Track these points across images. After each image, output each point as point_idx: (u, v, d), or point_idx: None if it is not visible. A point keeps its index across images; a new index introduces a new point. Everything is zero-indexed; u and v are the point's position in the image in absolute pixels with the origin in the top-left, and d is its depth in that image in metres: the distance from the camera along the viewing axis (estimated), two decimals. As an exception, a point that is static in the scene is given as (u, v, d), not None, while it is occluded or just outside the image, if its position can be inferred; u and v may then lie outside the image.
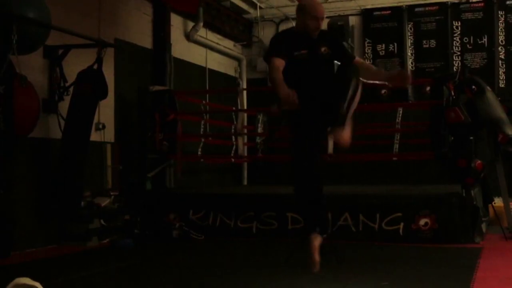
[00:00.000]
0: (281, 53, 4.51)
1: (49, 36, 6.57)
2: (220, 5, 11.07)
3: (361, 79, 4.51)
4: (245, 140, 11.05)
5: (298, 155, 4.59)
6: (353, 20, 11.61)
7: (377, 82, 4.92)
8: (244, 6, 11.79)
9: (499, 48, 10.81)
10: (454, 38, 11.05)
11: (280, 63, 4.47)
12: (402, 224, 7.11)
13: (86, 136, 7.22)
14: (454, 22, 11.06)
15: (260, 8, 11.92)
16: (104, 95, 7.39)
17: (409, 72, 4.85)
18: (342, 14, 11.56)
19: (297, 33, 4.61)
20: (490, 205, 7.97)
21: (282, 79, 4.33)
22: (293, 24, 11.65)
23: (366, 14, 11.61)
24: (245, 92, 11.59)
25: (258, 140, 10.69)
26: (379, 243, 6.95)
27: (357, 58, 4.82)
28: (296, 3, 10.45)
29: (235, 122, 10.80)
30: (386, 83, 4.87)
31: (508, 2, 10.81)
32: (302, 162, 4.54)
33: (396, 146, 8.70)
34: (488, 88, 7.59)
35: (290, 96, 4.24)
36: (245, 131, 11.30)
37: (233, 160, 10.57)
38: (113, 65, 8.35)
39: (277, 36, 4.94)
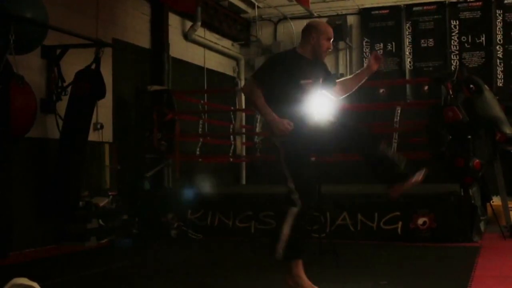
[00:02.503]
0: (264, 82, 4.16)
1: (46, 36, 6.57)
2: (218, 4, 11.07)
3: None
4: (244, 140, 11.04)
5: (304, 191, 4.15)
6: (351, 20, 11.62)
7: (361, 82, 4.59)
8: (242, 5, 11.79)
9: (497, 47, 10.81)
10: (452, 37, 11.05)
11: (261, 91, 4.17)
12: (400, 223, 7.12)
13: (84, 136, 7.21)
14: (452, 21, 11.06)
15: (258, 7, 11.91)
16: (102, 95, 7.38)
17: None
18: (341, 13, 11.57)
19: (303, 57, 4.26)
20: (488, 204, 7.97)
21: (269, 109, 4.11)
22: (292, 25, 11.86)
23: (364, 13, 11.61)
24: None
25: (256, 139, 10.69)
26: (377, 242, 6.95)
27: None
28: (294, 2, 10.55)
29: (233, 122, 10.81)
30: (366, 78, 4.55)
31: (506, 1, 10.81)
32: (309, 197, 4.21)
33: (395, 145, 8.69)
34: (486, 87, 7.59)
35: (286, 125, 4.07)
36: (244, 130, 11.30)
37: (231, 159, 10.56)
38: (111, 65, 8.35)
39: (278, 60, 4.36)
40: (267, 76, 4.20)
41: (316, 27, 4.30)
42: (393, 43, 11.33)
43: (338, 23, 11.06)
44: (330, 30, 4.32)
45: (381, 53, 11.31)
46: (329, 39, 4.29)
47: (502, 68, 10.78)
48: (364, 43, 11.54)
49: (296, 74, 4.21)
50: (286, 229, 4.13)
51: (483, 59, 10.86)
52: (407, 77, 11.17)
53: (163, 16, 9.63)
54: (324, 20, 11.23)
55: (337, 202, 7.26)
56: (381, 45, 11.42)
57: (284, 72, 4.19)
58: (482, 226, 7.36)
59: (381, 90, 11.15)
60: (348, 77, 4.55)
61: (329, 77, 4.47)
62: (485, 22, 10.87)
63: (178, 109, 9.03)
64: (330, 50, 4.34)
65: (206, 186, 8.32)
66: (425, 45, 11.18)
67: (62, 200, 7.08)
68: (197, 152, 9.50)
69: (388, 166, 4.22)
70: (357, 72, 4.55)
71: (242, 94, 11.55)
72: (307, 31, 4.29)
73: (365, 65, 4.55)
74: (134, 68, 9.07)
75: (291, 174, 4.18)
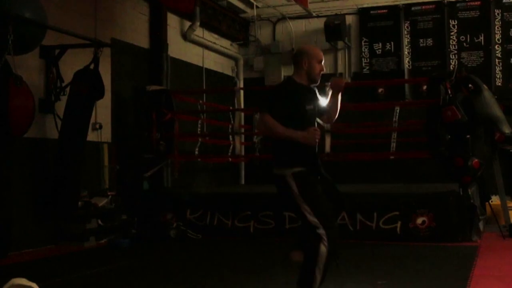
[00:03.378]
0: (273, 112, 4.12)
1: (45, 36, 6.56)
2: (217, 4, 11.07)
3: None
4: (242, 140, 11.04)
5: (328, 223, 4.00)
6: (350, 19, 11.61)
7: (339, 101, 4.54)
8: (240, 5, 11.78)
9: (496, 47, 10.80)
10: (451, 37, 11.05)
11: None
12: (399, 222, 7.12)
13: (83, 136, 7.21)
14: (450, 20, 11.06)
15: (257, 7, 11.91)
16: (100, 95, 7.38)
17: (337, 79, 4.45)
18: (339, 13, 11.56)
19: (301, 84, 4.25)
20: (487, 203, 7.98)
21: (292, 130, 4.04)
22: (291, 24, 11.86)
23: (363, 13, 11.61)
24: (242, 92, 11.60)
25: (255, 139, 10.69)
26: (376, 242, 6.95)
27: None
28: (293, 2, 10.54)
29: (232, 122, 10.80)
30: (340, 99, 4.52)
31: (504, 1, 10.80)
32: (334, 227, 4.07)
33: (394, 144, 8.69)
34: (485, 86, 7.59)
35: (315, 132, 4.01)
36: (242, 130, 11.30)
37: (230, 159, 10.56)
38: (109, 65, 8.34)
39: (281, 89, 4.34)
40: (275, 106, 4.15)
41: (307, 52, 4.29)
42: (392, 43, 11.32)
43: (336, 23, 11.06)
44: (321, 53, 4.33)
45: (380, 52, 11.36)
46: (321, 62, 4.29)
47: (500, 68, 10.78)
48: (362, 43, 11.54)
49: (300, 100, 4.21)
50: (318, 273, 3.96)
51: (482, 59, 10.86)
52: (406, 76, 11.17)
53: (162, 16, 9.62)
54: (323, 20, 11.30)
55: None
56: (380, 44, 11.41)
57: (289, 100, 4.18)
58: (481, 225, 7.36)
59: (380, 90, 11.14)
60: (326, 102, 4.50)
61: (320, 104, 4.47)
62: (484, 21, 10.87)
63: (177, 109, 9.02)
64: (323, 72, 4.33)
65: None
66: (424, 44, 11.18)
67: (61, 200, 7.07)
68: (196, 152, 9.49)
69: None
70: (328, 98, 4.45)
71: (241, 94, 11.59)
72: (299, 57, 4.28)
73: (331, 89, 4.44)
74: (132, 68, 9.06)
75: (312, 207, 3.99)
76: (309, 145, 4.06)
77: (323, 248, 3.92)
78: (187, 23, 10.38)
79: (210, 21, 10.94)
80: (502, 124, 7.41)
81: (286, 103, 4.16)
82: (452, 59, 10.99)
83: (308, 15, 11.72)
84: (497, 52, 10.79)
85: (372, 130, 9.67)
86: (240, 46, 12.35)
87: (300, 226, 4.21)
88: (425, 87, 10.67)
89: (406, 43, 11.26)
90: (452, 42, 11.03)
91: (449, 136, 7.34)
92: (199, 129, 9.87)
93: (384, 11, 11.46)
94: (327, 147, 8.62)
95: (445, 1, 11.11)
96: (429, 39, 11.15)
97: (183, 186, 9.44)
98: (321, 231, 3.93)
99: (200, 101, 10.11)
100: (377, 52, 11.42)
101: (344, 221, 7.19)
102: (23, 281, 3.36)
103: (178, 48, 10.21)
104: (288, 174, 4.04)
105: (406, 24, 11.29)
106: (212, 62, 11.42)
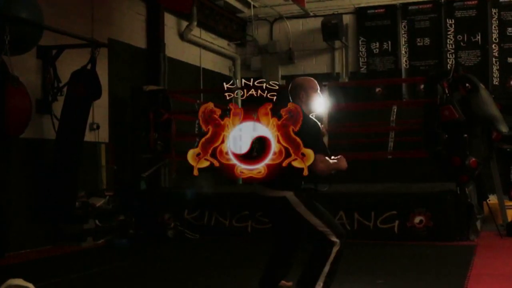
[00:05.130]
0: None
1: (42, 36, 6.55)
2: (214, 4, 11.07)
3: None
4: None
5: (336, 226, 4.06)
6: (347, 19, 11.63)
7: None
8: (238, 5, 11.79)
9: (493, 46, 10.82)
10: (448, 36, 11.06)
11: None
12: (397, 222, 7.13)
13: (80, 136, 7.20)
14: (447, 20, 11.08)
15: (254, 7, 11.91)
16: (98, 95, 7.37)
17: None
18: (336, 12, 11.56)
19: None
20: (484, 202, 7.99)
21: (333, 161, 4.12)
22: (288, 24, 11.85)
23: (360, 13, 11.62)
24: (239, 91, 11.59)
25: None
26: (374, 241, 6.95)
27: None
28: (290, 2, 10.54)
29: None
30: None
31: (501, 0, 10.82)
32: (343, 230, 4.09)
33: (391, 144, 8.69)
34: (482, 85, 7.60)
35: (344, 161, 4.13)
36: (240, 130, 11.28)
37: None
38: (107, 65, 8.33)
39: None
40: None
41: (301, 85, 4.27)
42: (389, 42, 11.34)
43: (334, 22, 11.07)
44: (315, 82, 4.33)
45: (377, 52, 11.37)
46: (317, 90, 4.29)
47: (498, 67, 10.80)
48: (360, 42, 11.55)
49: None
50: (327, 267, 4.01)
51: (479, 58, 10.88)
52: (403, 76, 11.19)
53: (159, 16, 9.62)
54: (320, 19, 11.30)
55: (333, 201, 7.25)
56: (377, 44, 11.42)
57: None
58: (478, 224, 7.37)
59: (377, 89, 11.16)
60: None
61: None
62: (480, 20, 10.89)
63: (174, 109, 9.01)
64: (321, 98, 4.34)
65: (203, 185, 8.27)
66: (421, 44, 11.20)
67: (59, 200, 7.06)
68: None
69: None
70: None
71: (239, 95, 11.56)
72: (295, 91, 4.26)
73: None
74: (130, 68, 9.06)
75: (320, 218, 4.04)
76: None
77: (334, 252, 3.98)
78: (184, 23, 10.38)
79: (207, 21, 10.94)
80: (499, 123, 7.41)
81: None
82: (449, 58, 11.00)
83: (305, 15, 11.73)
84: (494, 51, 10.81)
85: (370, 129, 9.67)
86: (237, 45, 12.35)
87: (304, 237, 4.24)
88: (422, 86, 10.69)
89: (403, 42, 11.27)
90: (449, 41, 11.05)
91: (446, 135, 7.34)
92: (196, 129, 9.86)
93: (381, 10, 11.47)
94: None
95: (442, 1, 11.13)
96: (426, 38, 11.17)
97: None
98: (332, 237, 3.97)
99: (197, 101, 10.10)
100: (375, 52, 11.43)
101: (342, 220, 7.19)
102: (20, 281, 3.36)
103: (175, 48, 10.20)
104: (289, 194, 4.05)
105: (403, 24, 11.30)
106: (210, 62, 11.42)
